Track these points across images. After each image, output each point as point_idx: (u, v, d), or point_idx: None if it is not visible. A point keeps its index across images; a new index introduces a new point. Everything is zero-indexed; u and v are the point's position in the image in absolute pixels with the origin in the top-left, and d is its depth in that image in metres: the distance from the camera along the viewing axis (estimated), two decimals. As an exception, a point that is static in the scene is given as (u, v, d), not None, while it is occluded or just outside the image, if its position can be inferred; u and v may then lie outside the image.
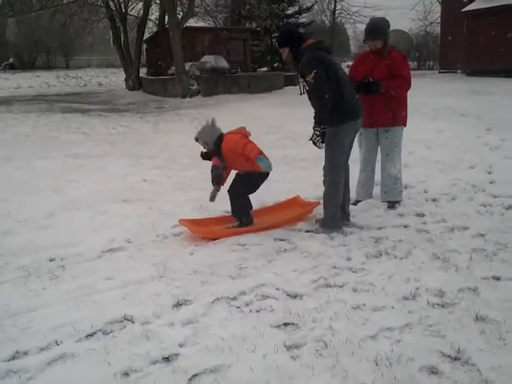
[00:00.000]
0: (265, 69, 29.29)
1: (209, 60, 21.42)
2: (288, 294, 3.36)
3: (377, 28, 5.04)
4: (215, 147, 4.67)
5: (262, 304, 3.23)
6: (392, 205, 5.24)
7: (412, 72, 5.25)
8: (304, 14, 31.98)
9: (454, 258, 3.85)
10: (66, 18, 25.31)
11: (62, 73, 35.20)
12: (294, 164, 7.53)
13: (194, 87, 20.05)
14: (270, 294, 3.36)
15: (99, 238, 4.52)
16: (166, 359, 2.65)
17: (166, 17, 22.75)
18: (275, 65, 28.75)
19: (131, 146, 9.59)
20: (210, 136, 4.69)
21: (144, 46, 28.26)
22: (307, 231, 4.63)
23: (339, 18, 39.17)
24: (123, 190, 6.23)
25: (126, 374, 2.54)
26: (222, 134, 4.76)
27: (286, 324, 2.98)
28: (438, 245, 4.17)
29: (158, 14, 28.93)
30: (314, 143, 4.35)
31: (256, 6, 28.31)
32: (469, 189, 5.76)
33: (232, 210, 4.78)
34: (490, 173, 6.39)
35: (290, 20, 30.20)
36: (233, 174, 4.93)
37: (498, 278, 3.47)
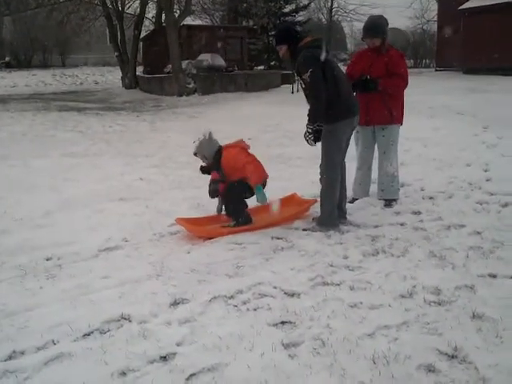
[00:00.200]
0: (262, 67, 29.27)
1: (206, 58, 21.41)
2: (285, 293, 3.35)
3: (375, 26, 5.05)
4: (214, 161, 4.68)
5: (259, 302, 3.22)
6: (389, 203, 5.24)
7: (409, 70, 5.26)
8: (301, 12, 32.00)
9: (451, 256, 3.85)
10: (63, 16, 25.26)
11: (58, 71, 35.13)
12: (291, 162, 7.53)
13: (190, 85, 20.03)
14: (267, 292, 3.36)
15: (96, 237, 4.52)
16: (164, 358, 2.65)
17: (163, 15, 22.72)
18: (272, 63, 28.74)
19: (128, 145, 9.57)
20: (208, 150, 4.70)
21: (141, 44, 28.19)
22: (304, 229, 4.63)
23: (336, 16, 39.23)
24: (120, 188, 6.22)
25: (124, 374, 2.53)
26: (220, 147, 4.75)
27: (283, 322, 2.98)
28: (435, 243, 4.17)
29: (154, 12, 28.94)
30: (306, 141, 4.37)
31: (253, 4, 28.30)
32: (465, 187, 5.77)
33: (227, 212, 4.76)
34: (486, 170, 6.41)
35: (286, 18, 30.18)
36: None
37: (494, 276, 3.47)
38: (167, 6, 19.91)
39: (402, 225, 4.67)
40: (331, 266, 3.76)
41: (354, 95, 4.68)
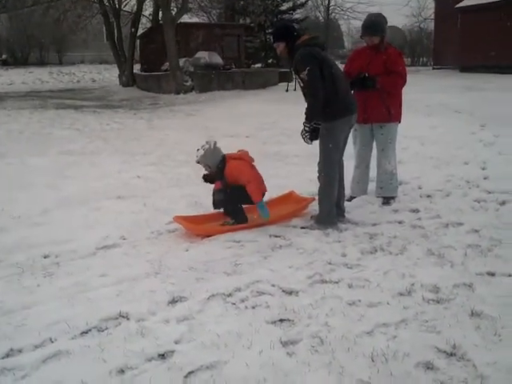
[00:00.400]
0: (259, 65, 29.25)
1: (203, 56, 21.38)
2: (283, 291, 3.35)
3: (374, 24, 5.05)
4: (218, 170, 4.68)
5: (257, 300, 3.22)
6: (387, 201, 5.24)
7: (406, 68, 5.25)
8: (298, 10, 31.98)
9: (449, 254, 3.86)
10: (60, 13, 25.15)
11: (55, 69, 35.02)
12: (288, 160, 7.53)
13: (188, 83, 20.00)
14: (265, 290, 3.36)
15: (93, 235, 4.50)
16: (162, 356, 2.65)
17: (160, 12, 22.66)
18: (269, 61, 28.73)
19: (125, 143, 9.55)
20: (212, 160, 4.69)
21: (138, 42, 28.13)
22: (302, 227, 4.63)
23: (333, 14, 39.21)
24: (117, 186, 6.20)
25: (122, 372, 2.53)
26: (224, 156, 4.74)
27: (281, 320, 2.98)
28: (433, 241, 4.17)
29: (151, 9, 28.80)
30: (303, 139, 4.37)
31: (250, 2, 28.27)
32: (463, 185, 5.78)
33: (225, 211, 4.75)
34: (483, 169, 6.42)
35: (284, 16, 30.17)
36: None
37: (492, 274, 3.48)
38: (164, 4, 19.85)
39: (400, 223, 4.67)
40: (329, 263, 3.76)
41: (351, 93, 4.67)
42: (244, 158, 4.76)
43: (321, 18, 42.06)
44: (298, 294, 3.31)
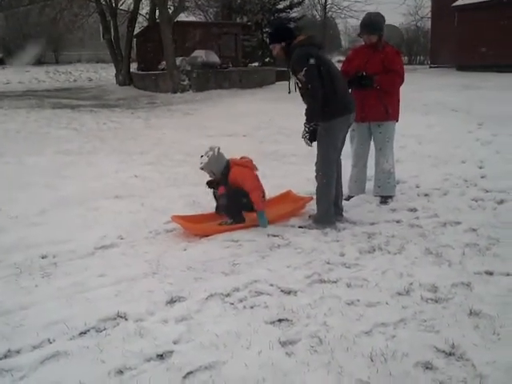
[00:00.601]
0: (256, 64, 29.22)
1: (200, 55, 21.34)
2: (282, 290, 3.35)
3: (373, 23, 5.06)
4: (222, 176, 4.68)
5: (255, 300, 3.22)
6: (384, 200, 5.25)
7: (404, 67, 5.26)
8: (295, 9, 31.91)
9: (447, 253, 3.86)
10: (56, 12, 25.05)
11: (51, 68, 34.92)
12: (285, 159, 7.52)
13: (185, 82, 19.98)
14: (263, 290, 3.36)
15: (91, 235, 4.49)
16: (161, 356, 2.64)
17: (157, 11, 22.62)
18: (266, 60, 28.68)
19: (122, 142, 9.53)
20: (216, 166, 4.68)
21: (134, 40, 28.07)
22: (300, 227, 4.63)
23: (330, 13, 39.07)
24: (115, 186, 6.18)
25: (120, 372, 2.52)
26: (228, 161, 4.73)
27: (280, 320, 2.97)
28: (431, 240, 4.18)
29: (148, 8, 28.78)
30: (304, 140, 4.38)
31: (247, 1, 28.25)
32: (461, 183, 5.79)
33: (225, 211, 4.74)
34: (481, 167, 6.43)
35: (281, 14, 30.13)
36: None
37: (490, 273, 3.49)
38: (161, 3, 19.83)
39: (398, 222, 4.68)
40: (328, 263, 3.76)
41: (350, 92, 4.67)
42: (248, 165, 4.76)
43: (318, 16, 41.97)
44: (296, 293, 3.31)
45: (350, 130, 4.85)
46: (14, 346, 2.76)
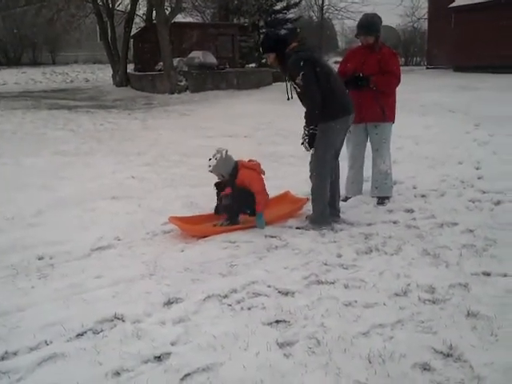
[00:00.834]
0: (253, 65, 29.20)
1: (197, 56, 21.32)
2: (279, 291, 3.35)
3: (370, 24, 5.08)
4: (231, 177, 4.68)
5: (253, 301, 3.22)
6: (381, 201, 5.25)
7: (400, 68, 5.27)
8: (292, 10, 31.90)
9: (444, 254, 3.86)
10: (53, 13, 24.99)
11: (48, 69, 34.80)
12: (283, 160, 7.52)
13: (182, 83, 19.95)
14: (261, 291, 3.35)
15: (88, 236, 4.48)
16: (158, 358, 2.64)
17: (154, 12, 22.60)
18: (263, 61, 28.66)
19: (119, 143, 9.51)
20: (224, 168, 4.68)
21: (131, 41, 28.03)
22: (298, 228, 4.64)
23: (327, 14, 39.12)
24: (112, 187, 6.17)
25: (118, 374, 2.52)
26: (236, 163, 4.73)
27: (277, 321, 2.97)
28: (428, 241, 4.18)
29: (145, 9, 28.72)
30: (303, 145, 4.42)
31: (244, 2, 28.22)
32: (458, 184, 5.80)
33: (226, 211, 4.74)
34: (478, 168, 6.44)
35: (277, 16, 30.13)
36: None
37: (488, 274, 3.49)
38: (158, 4, 19.79)
39: (394, 223, 4.68)
40: (325, 264, 3.76)
41: (348, 94, 4.68)
42: (256, 169, 4.78)
43: (314, 17, 42.01)
44: (293, 294, 3.30)
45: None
46: (11, 348, 2.75)
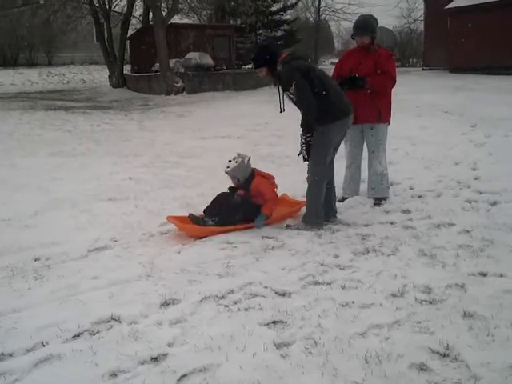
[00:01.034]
0: (250, 66, 29.24)
1: (194, 57, 21.36)
2: (276, 292, 3.34)
3: (365, 24, 5.11)
4: (246, 183, 4.75)
5: (250, 302, 3.21)
6: (378, 202, 5.26)
7: (396, 69, 5.28)
8: (288, 11, 32.02)
9: (441, 255, 3.87)
10: (49, 14, 24.98)
11: (44, 70, 34.77)
12: (280, 161, 7.52)
13: (178, 84, 19.95)
14: (258, 292, 3.35)
15: (85, 237, 4.48)
16: (155, 359, 2.63)
17: (151, 13, 22.60)
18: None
19: (116, 144, 9.51)
20: (242, 174, 4.76)
21: (128, 42, 28.02)
22: (287, 226, 4.67)
23: (323, 16, 39.21)
24: (108, 188, 6.17)
25: (114, 375, 2.51)
26: (253, 170, 4.83)
27: (274, 322, 2.97)
28: (425, 241, 4.19)
29: (142, 10, 28.75)
30: (302, 153, 4.47)
31: (240, 3, 28.24)
32: (454, 185, 5.80)
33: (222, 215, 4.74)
34: (474, 169, 6.44)
35: (274, 17, 30.22)
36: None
37: (484, 274, 3.49)
38: (154, 5, 19.80)
39: (391, 223, 4.68)
40: (322, 265, 3.76)
41: (344, 96, 4.69)
42: (270, 180, 4.86)
43: (311, 19, 42.08)
44: (290, 295, 3.30)
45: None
46: (7, 350, 2.73)
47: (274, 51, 4.52)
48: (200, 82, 20.31)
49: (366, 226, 4.64)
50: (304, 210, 4.87)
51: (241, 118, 12.31)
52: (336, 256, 3.94)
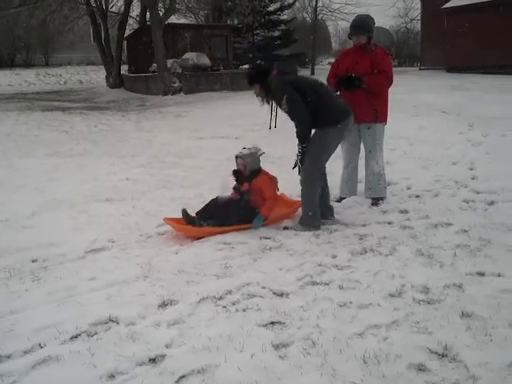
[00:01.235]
0: (247, 66, 29.24)
1: (191, 57, 21.35)
2: (274, 293, 3.34)
3: (362, 24, 5.11)
4: (250, 175, 4.78)
5: (248, 303, 3.21)
6: (376, 201, 5.26)
7: (393, 69, 5.28)
8: (285, 11, 32.01)
9: (439, 255, 3.87)
10: (46, 14, 24.95)
11: (41, 70, 34.73)
12: (278, 162, 7.50)
13: (175, 84, 19.95)
14: (256, 292, 3.35)
15: (82, 238, 4.47)
16: (153, 360, 2.62)
17: (148, 14, 22.58)
18: (257, 62, 28.70)
19: (113, 145, 9.50)
20: (251, 163, 4.80)
21: (125, 43, 28.00)
22: (285, 227, 4.66)
23: (320, 15, 39.16)
24: (106, 188, 6.16)
25: (112, 377, 2.50)
26: (260, 167, 4.88)
27: (272, 323, 2.96)
28: (422, 241, 4.19)
29: (139, 10, 28.72)
30: (297, 162, 4.54)
31: (238, 3, 28.26)
32: (452, 185, 5.80)
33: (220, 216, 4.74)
34: (472, 169, 6.44)
35: (271, 17, 30.21)
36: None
37: (482, 274, 3.49)
38: (151, 5, 19.79)
39: (389, 223, 4.68)
40: (320, 265, 3.76)
41: (340, 99, 4.71)
42: (274, 182, 4.91)
43: (308, 19, 42.01)
44: (288, 296, 3.30)
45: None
46: (5, 351, 2.73)
47: (264, 68, 4.73)
48: (197, 82, 20.31)
49: (364, 226, 4.63)
50: (300, 210, 4.88)
51: (238, 118, 12.29)
52: (334, 256, 3.94)
